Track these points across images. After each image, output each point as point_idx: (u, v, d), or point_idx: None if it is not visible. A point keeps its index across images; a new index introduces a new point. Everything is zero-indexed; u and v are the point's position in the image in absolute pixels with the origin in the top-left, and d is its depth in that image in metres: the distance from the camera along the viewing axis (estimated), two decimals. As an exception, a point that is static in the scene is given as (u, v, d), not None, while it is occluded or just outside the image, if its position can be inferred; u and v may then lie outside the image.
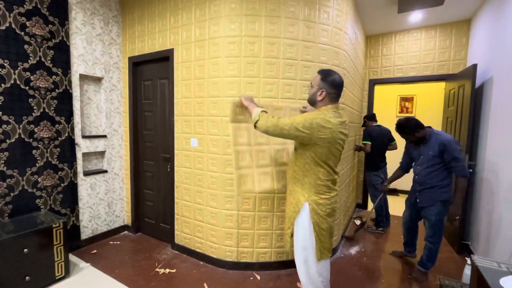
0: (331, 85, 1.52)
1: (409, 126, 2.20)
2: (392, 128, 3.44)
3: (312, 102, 1.61)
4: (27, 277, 1.88)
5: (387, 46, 3.85)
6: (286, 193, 1.78)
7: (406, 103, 5.07)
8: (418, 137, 2.22)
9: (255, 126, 1.58)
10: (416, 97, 4.99)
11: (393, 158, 3.63)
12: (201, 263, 2.44)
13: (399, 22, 3.46)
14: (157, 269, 2.33)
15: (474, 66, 2.58)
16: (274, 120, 1.51)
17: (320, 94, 1.53)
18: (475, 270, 1.28)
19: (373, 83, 4.01)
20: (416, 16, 3.24)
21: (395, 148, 3.44)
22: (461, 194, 2.05)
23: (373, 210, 3.31)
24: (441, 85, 4.04)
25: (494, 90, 2.45)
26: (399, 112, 5.10)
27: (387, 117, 3.70)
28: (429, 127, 2.26)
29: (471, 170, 2.71)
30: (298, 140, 1.54)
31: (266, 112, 1.61)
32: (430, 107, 4.79)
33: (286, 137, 1.52)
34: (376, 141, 3.29)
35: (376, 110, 4.13)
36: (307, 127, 1.44)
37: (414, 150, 2.36)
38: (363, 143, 3.36)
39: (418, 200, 2.30)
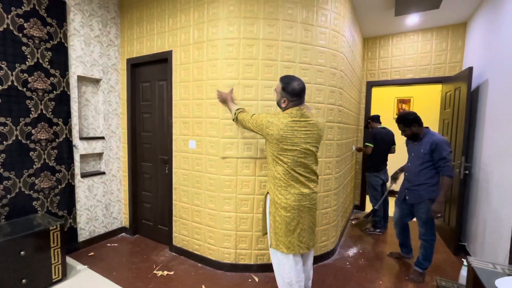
0: (291, 94, 1.64)
1: (408, 118, 2.29)
2: (393, 129, 3.47)
3: (279, 106, 1.75)
4: (23, 280, 1.87)
5: (384, 49, 3.88)
6: None
7: (403, 105, 5.11)
8: (413, 131, 2.29)
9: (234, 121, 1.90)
10: (413, 99, 5.03)
11: (391, 160, 3.64)
12: (199, 265, 2.44)
13: (396, 25, 3.49)
14: (155, 271, 2.32)
15: (470, 69, 2.61)
16: (242, 116, 1.80)
17: (283, 102, 1.67)
18: (471, 271, 1.29)
19: (370, 85, 4.04)
20: (412, 19, 3.28)
21: (393, 152, 3.46)
22: (445, 192, 2.12)
23: (373, 212, 3.30)
24: (438, 87, 4.08)
25: (490, 93, 2.48)
26: (396, 114, 5.13)
27: (384, 118, 3.74)
28: (427, 127, 2.32)
29: (467, 172, 2.73)
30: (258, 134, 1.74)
31: (242, 109, 1.87)
32: (427, 109, 4.82)
33: (251, 131, 1.79)
34: (380, 143, 3.31)
35: (373, 112, 4.15)
36: (258, 124, 1.67)
37: (409, 148, 2.44)
38: (366, 145, 3.37)
39: (407, 198, 2.36)
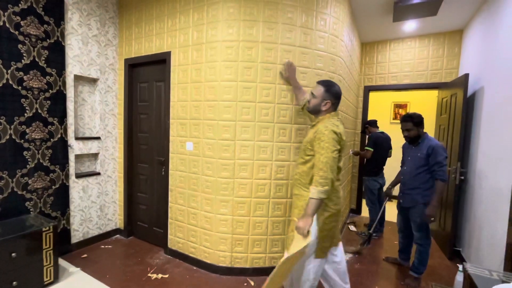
0: (335, 96, 1.68)
1: (418, 117, 2.33)
2: (390, 134, 3.49)
3: (316, 111, 1.74)
4: (14, 282, 1.82)
5: (382, 54, 3.91)
6: (293, 198, 1.82)
7: (400, 110, 5.15)
8: (416, 134, 2.32)
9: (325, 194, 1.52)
10: (409, 104, 5.07)
11: (388, 164, 3.67)
12: (195, 268, 2.41)
13: (394, 31, 3.53)
14: (149, 274, 2.29)
15: (466, 76, 2.64)
16: (323, 177, 1.49)
17: (325, 105, 1.67)
18: (467, 278, 1.29)
19: (368, 89, 4.06)
20: (410, 25, 3.31)
21: (390, 156, 3.48)
22: (438, 197, 2.15)
23: (376, 219, 3.28)
24: (434, 93, 4.12)
25: (485, 100, 2.50)
26: (393, 119, 5.18)
27: (381, 123, 3.78)
28: (425, 132, 2.37)
29: (462, 177, 2.75)
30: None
31: (314, 192, 1.51)
32: (423, 114, 4.76)
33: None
34: (380, 147, 3.32)
35: (370, 116, 4.17)
36: (336, 144, 1.54)
37: (405, 152, 2.48)
38: (366, 149, 3.37)
39: (401, 201, 2.40)
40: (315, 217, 1.59)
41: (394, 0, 2.70)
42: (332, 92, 1.67)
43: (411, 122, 2.33)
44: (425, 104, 4.86)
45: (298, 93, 2.14)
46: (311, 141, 1.64)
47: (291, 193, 1.96)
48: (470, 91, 2.87)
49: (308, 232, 1.50)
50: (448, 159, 2.95)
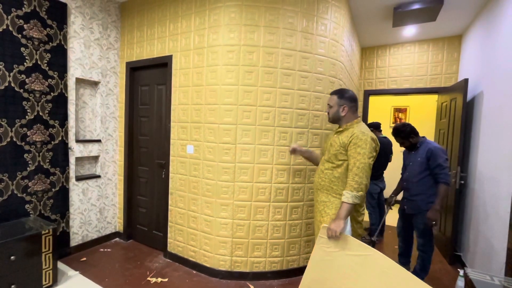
0: (350, 99, 1.71)
1: (404, 131, 2.31)
2: (390, 138, 3.49)
3: (336, 119, 1.76)
4: (12, 286, 1.81)
5: (381, 58, 3.94)
6: (317, 204, 1.79)
7: (400, 114, 5.17)
8: (412, 142, 2.32)
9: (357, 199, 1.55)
10: (409, 109, 5.09)
11: (388, 168, 3.67)
12: (194, 272, 2.40)
13: (394, 36, 3.56)
14: (148, 278, 2.27)
15: (466, 81, 2.65)
16: (358, 182, 1.53)
17: (343, 110, 1.71)
18: (468, 283, 1.29)
19: (367, 94, 4.08)
20: (409, 30, 3.34)
21: (390, 160, 3.48)
22: (441, 200, 2.11)
23: (377, 224, 3.27)
24: (434, 97, 4.14)
25: (484, 105, 2.52)
26: (393, 123, 5.19)
27: (381, 127, 3.81)
28: (423, 136, 2.35)
29: (462, 182, 2.75)
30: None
31: (349, 197, 1.53)
32: (423, 118, 4.88)
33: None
34: (382, 152, 3.30)
35: (370, 120, 4.19)
36: (373, 151, 1.58)
37: (406, 158, 2.45)
38: None
39: (405, 207, 2.35)
40: (349, 224, 1.60)
41: (394, 5, 2.73)
42: (345, 97, 1.72)
43: (399, 137, 2.35)
44: (425, 109, 4.88)
45: (311, 156, 2.05)
46: (344, 146, 1.63)
47: (314, 199, 1.85)
48: (469, 96, 2.89)
49: (340, 234, 1.50)
50: (449, 161, 2.96)
